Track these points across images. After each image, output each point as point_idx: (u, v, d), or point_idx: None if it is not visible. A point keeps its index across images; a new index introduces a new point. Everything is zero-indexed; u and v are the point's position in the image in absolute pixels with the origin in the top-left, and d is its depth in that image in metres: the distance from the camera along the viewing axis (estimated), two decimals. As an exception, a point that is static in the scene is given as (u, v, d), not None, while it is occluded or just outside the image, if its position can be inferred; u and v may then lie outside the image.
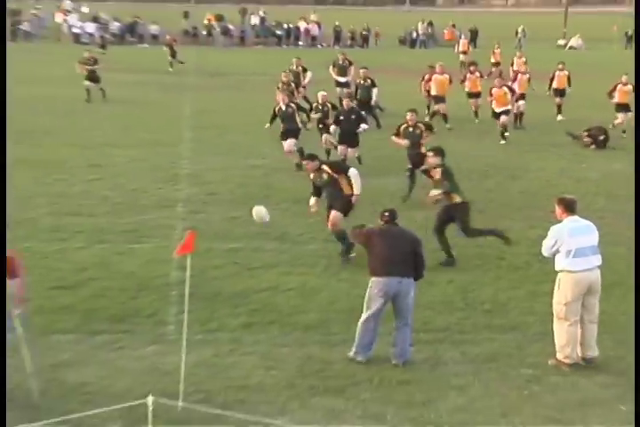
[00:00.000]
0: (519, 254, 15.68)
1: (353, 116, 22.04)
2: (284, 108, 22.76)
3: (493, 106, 27.97)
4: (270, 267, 14.99)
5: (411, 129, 20.11)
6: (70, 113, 31.48)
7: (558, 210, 11.38)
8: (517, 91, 30.05)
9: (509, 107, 28.05)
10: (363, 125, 22.06)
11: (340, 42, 67.49)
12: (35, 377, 10.17)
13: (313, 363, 11.28)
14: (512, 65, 40.29)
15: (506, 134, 27.34)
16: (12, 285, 9.70)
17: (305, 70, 31.87)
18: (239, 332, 12.21)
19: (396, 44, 68.82)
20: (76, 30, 64.71)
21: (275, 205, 18.14)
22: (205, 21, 68.09)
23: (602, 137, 26.76)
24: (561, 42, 72.51)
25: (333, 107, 23.95)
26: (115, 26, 66.01)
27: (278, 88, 27.38)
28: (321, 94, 24.18)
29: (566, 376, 10.98)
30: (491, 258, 15.68)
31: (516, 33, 67.01)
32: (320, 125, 23.61)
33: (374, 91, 29.01)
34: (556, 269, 11.20)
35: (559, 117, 31.83)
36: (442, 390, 10.59)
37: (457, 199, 15.34)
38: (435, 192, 15.46)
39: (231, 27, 68.15)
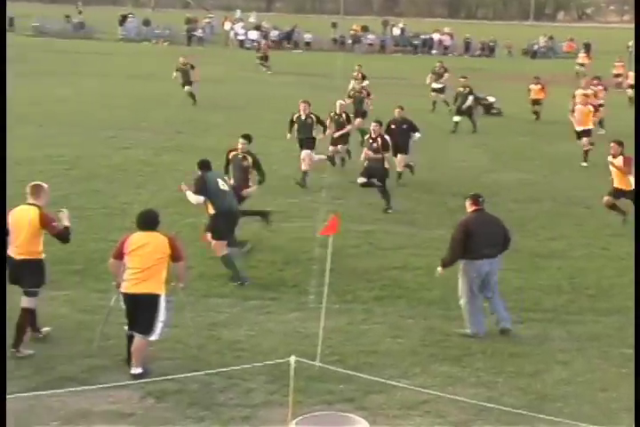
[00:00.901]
0: (622, 246, 15.23)
1: (404, 126, 19.79)
2: (303, 117, 20.05)
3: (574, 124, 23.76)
4: (400, 248, 14.93)
5: (370, 141, 17.92)
6: (233, 108, 31.86)
7: None
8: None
9: (590, 126, 23.58)
10: (416, 134, 19.88)
11: (470, 51, 66.71)
12: (189, 335, 10.35)
13: (434, 334, 11.21)
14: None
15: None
16: (178, 266, 9.84)
17: (364, 78, 29.96)
18: (371, 304, 12.21)
19: (520, 54, 67.48)
20: (240, 37, 65.49)
21: (407, 195, 18.12)
22: (351, 31, 68.06)
23: None
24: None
25: (348, 119, 21.04)
26: (274, 33, 66.56)
27: (349, 96, 25.52)
28: (339, 103, 21.35)
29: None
30: (596, 248, 15.28)
31: (627, 47, 64.90)
32: (334, 135, 20.82)
33: (470, 98, 27.77)
34: None
35: None
36: (548, 363, 10.40)
37: None
38: None
39: (372, 36, 68.04)
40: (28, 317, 10.08)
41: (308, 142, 19.78)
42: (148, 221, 9.79)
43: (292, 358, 8.09)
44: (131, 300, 9.57)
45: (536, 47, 68.58)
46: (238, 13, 75.94)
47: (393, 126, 19.65)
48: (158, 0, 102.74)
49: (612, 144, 16.56)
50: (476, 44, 67.43)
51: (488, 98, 32.17)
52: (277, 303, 12.09)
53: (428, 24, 77.62)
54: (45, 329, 10.46)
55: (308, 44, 65.29)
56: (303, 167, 19.47)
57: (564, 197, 19.24)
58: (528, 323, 11.60)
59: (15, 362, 9.73)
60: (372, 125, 18.16)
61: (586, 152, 22.87)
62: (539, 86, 30.62)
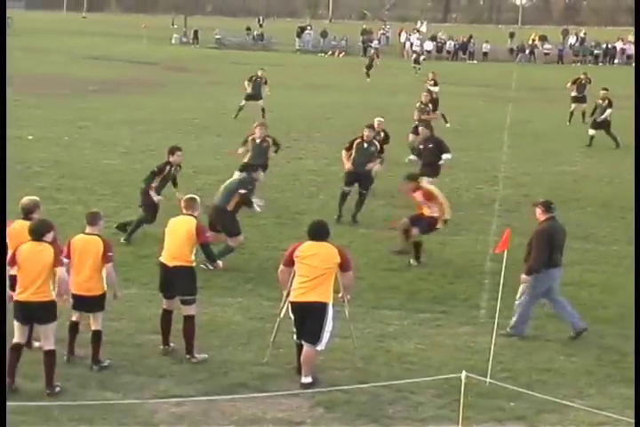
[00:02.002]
0: None
1: (430, 145, 17.67)
2: (258, 141, 17.63)
3: None
4: (575, 264, 14.48)
5: (365, 145, 16.96)
6: (404, 119, 31.88)
7: None
8: None
9: None
10: (445, 155, 17.65)
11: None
12: (358, 347, 10.37)
13: (610, 353, 10.87)
14: None
15: None
16: (345, 276, 9.87)
17: (436, 84, 29.82)
18: (543, 320, 11.88)
19: None
20: (416, 48, 65.58)
21: (582, 209, 17.64)
22: (530, 41, 66.99)
23: None
24: None
25: (386, 136, 18.94)
26: (450, 44, 66.30)
27: (417, 108, 24.90)
28: (377, 120, 19.06)
29: None
30: None
31: None
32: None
33: (608, 111, 26.28)
34: None
35: None
36: None
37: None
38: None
39: (549, 46, 66.75)
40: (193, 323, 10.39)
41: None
42: (319, 232, 9.92)
43: (463, 374, 8.01)
44: (299, 308, 9.70)
45: None
46: (424, 26, 76.27)
47: (421, 146, 18.04)
48: (335, 12, 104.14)
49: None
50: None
51: None
52: (448, 317, 11.98)
53: (611, 32, 75.38)
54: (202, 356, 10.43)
55: (485, 54, 64.74)
56: None
57: None
58: None
59: (191, 367, 10.04)
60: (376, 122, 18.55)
61: None
62: None
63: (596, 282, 13.58)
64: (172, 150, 15.07)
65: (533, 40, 67.05)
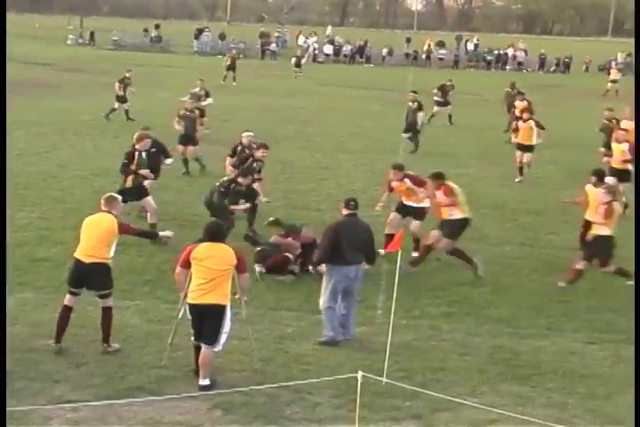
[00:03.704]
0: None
1: (153, 149, 16.23)
2: (143, 154, 16.02)
3: None
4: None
5: (247, 150, 16.95)
6: (302, 121, 32.03)
7: None
8: None
9: None
10: (168, 160, 17.05)
11: (544, 67, 66.11)
12: (257, 348, 10.37)
13: (503, 352, 11.07)
14: None
15: None
16: (242, 278, 9.89)
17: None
18: (438, 320, 12.11)
19: (596, 71, 66.65)
20: (313, 51, 65.93)
21: (475, 211, 17.90)
22: (425, 46, 67.96)
23: None
24: None
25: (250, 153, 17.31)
26: (347, 48, 66.79)
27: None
28: (246, 135, 17.96)
29: None
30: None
31: None
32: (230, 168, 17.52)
33: (420, 114, 26.57)
34: None
35: None
36: (621, 386, 10.15)
37: None
38: None
39: (445, 51, 67.93)
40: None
41: (154, 173, 16.33)
42: (216, 233, 9.89)
43: (359, 374, 8.07)
44: (197, 310, 9.66)
45: (614, 64, 67.56)
46: (330, 30, 76.70)
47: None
48: (234, 14, 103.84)
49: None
50: (552, 59, 66.79)
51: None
52: (345, 318, 12.04)
53: (503, 39, 77.09)
54: (116, 345, 10.57)
55: (383, 58, 65.50)
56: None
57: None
58: (600, 344, 11.39)
59: (87, 371, 9.88)
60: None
61: None
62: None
63: (487, 282, 13.84)
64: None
65: (429, 45, 68.03)
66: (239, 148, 17.75)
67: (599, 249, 13.50)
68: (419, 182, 14.86)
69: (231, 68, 45.73)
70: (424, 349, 11.07)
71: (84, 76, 45.19)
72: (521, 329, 11.85)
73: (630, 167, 18.58)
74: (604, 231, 13.48)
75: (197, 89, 27.37)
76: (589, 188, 14.73)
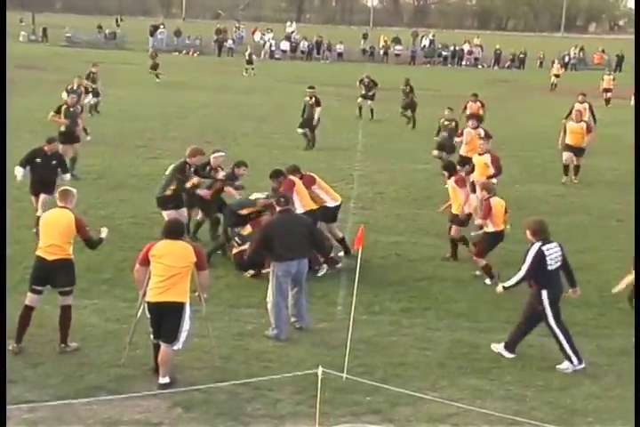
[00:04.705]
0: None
1: (54, 162, 15.48)
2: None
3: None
4: (428, 260, 14.89)
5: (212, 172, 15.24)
6: (260, 118, 31.99)
7: None
8: None
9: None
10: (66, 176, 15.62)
11: (500, 63, 66.69)
12: (217, 346, 10.36)
13: (462, 346, 11.15)
14: None
15: None
16: (201, 275, 9.86)
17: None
18: (398, 315, 12.18)
19: (550, 66, 67.37)
20: (271, 47, 65.88)
21: (434, 206, 17.99)
22: (382, 42, 68.18)
23: None
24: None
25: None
26: (304, 44, 66.82)
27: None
28: (216, 155, 15.55)
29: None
30: (627, 262, 15.12)
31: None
32: None
33: (317, 109, 25.98)
34: None
35: None
36: (578, 377, 10.31)
37: None
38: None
39: (401, 47, 68.21)
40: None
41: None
42: (174, 230, 9.85)
43: (320, 370, 8.09)
44: (156, 308, 9.60)
45: (567, 59, 68.35)
46: (294, 26, 76.66)
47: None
48: (189, 11, 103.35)
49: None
50: (507, 55, 67.39)
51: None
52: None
53: (458, 35, 77.53)
54: (74, 344, 10.50)
55: (340, 54, 65.57)
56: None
57: (594, 210, 19.12)
58: (558, 336, 11.50)
59: (44, 371, 9.80)
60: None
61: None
62: None
63: (447, 277, 13.94)
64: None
65: (385, 41, 68.25)
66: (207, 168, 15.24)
67: (481, 240, 13.92)
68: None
69: (154, 67, 44.40)
70: (384, 344, 11.12)
71: (37, 73, 44.73)
72: (480, 323, 11.95)
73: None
74: (489, 228, 13.80)
75: (75, 86, 26.53)
76: (450, 183, 14.97)
